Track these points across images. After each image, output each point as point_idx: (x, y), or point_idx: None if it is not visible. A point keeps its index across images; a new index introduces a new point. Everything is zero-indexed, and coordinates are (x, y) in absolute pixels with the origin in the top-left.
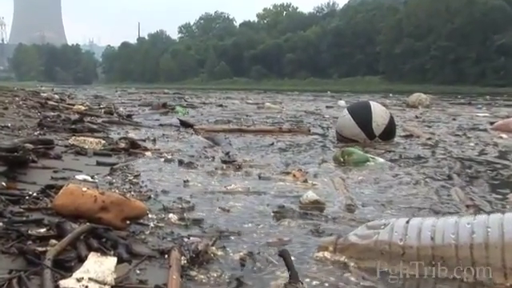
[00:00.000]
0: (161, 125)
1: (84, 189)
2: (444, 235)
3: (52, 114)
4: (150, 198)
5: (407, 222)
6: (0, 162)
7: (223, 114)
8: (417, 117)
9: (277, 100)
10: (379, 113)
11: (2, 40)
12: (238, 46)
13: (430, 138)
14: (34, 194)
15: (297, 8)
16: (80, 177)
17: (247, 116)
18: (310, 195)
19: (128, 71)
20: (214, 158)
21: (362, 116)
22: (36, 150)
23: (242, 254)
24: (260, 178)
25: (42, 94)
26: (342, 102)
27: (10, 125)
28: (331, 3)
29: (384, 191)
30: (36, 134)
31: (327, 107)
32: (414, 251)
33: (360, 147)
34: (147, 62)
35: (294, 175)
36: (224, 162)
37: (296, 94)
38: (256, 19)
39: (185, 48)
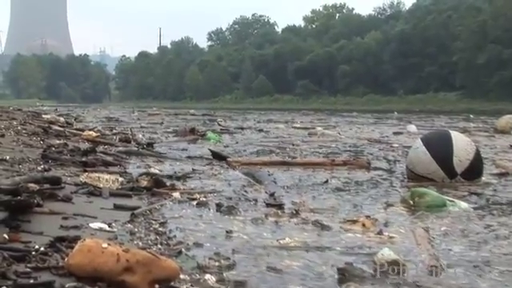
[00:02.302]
0: (189, 157)
1: (104, 245)
2: None
3: (57, 142)
4: (180, 252)
5: None
6: (0, 207)
7: (265, 143)
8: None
9: (329, 123)
10: (462, 145)
11: None
12: (280, 56)
13: None
14: (42, 249)
15: (353, 9)
16: (95, 225)
17: (294, 145)
18: (387, 253)
19: (147, 87)
20: (256, 200)
21: (440, 149)
22: (41, 190)
23: None
24: (320, 227)
25: (43, 116)
26: (412, 127)
27: (8, 157)
28: (395, 3)
29: (477, 248)
30: (40, 168)
31: (395, 133)
32: None
33: (436, 188)
34: (170, 76)
35: (364, 224)
36: (269, 205)
37: (354, 114)
38: (302, 23)
39: (215, 59)
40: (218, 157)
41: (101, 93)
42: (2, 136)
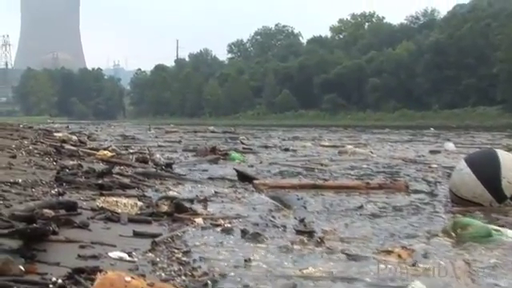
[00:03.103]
0: (211, 178)
1: (127, 278)
2: None
3: (71, 162)
4: (206, 285)
5: None
6: (15, 235)
7: (291, 162)
8: None
9: (360, 141)
10: (511, 165)
11: (6, 64)
12: (305, 68)
13: None
14: (59, 281)
15: (383, 18)
16: (114, 254)
17: (322, 165)
18: (419, 286)
19: (163, 102)
20: (285, 226)
21: (486, 170)
22: (57, 216)
23: None
24: (350, 257)
25: (55, 135)
26: (450, 145)
27: (20, 180)
28: (429, 11)
29: None
30: (54, 192)
31: (431, 152)
32: None
33: (483, 213)
34: (188, 91)
35: (400, 255)
36: (299, 232)
37: (386, 131)
38: (329, 34)
39: (236, 72)
40: (244, 178)
41: (115, 108)
42: (14, 157)
